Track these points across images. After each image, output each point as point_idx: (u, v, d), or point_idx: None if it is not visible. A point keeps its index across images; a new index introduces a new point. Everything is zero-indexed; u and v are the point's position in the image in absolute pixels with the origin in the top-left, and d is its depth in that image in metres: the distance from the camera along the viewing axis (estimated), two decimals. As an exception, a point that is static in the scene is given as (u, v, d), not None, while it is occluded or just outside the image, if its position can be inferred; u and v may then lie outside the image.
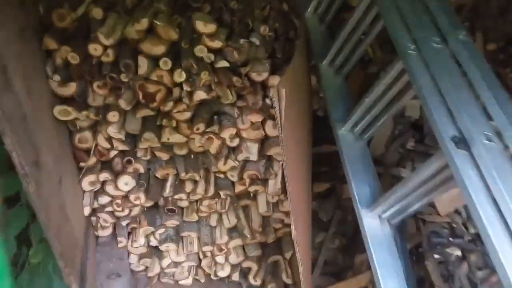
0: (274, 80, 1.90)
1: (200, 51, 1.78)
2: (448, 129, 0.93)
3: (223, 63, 1.81)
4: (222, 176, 2.09)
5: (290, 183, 1.34)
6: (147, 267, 2.30)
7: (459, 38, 1.13)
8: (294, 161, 1.45)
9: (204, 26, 1.76)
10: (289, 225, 2.27)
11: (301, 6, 2.01)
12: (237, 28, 1.93)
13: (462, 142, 0.92)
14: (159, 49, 1.76)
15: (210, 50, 1.80)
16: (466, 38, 1.13)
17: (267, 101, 1.93)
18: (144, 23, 1.74)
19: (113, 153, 1.94)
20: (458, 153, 0.90)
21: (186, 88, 1.80)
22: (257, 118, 1.93)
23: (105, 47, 1.72)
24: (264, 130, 1.97)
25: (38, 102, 1.57)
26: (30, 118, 1.45)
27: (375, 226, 1.21)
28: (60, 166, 1.71)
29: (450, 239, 1.72)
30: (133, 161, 1.93)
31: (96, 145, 1.91)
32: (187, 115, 1.89)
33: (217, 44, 1.78)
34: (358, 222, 2.21)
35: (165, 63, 1.75)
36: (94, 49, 1.71)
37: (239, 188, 2.10)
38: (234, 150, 2.05)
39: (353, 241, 2.08)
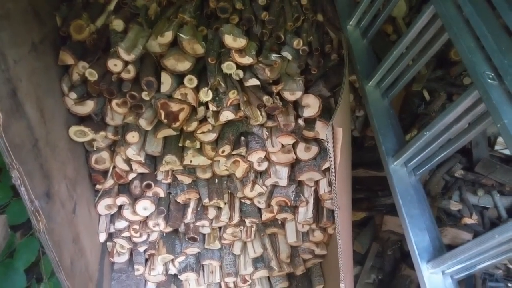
0: (308, 99, 1.72)
1: (228, 67, 1.62)
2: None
3: (253, 81, 1.64)
4: (248, 202, 1.92)
5: (342, 235, 1.16)
6: (165, 297, 2.15)
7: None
8: (345, 209, 1.27)
9: (233, 41, 1.59)
10: (319, 256, 2.09)
11: (338, 18, 1.82)
12: (268, 41, 1.76)
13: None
14: (184, 65, 1.60)
15: (239, 66, 1.64)
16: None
17: (300, 122, 1.75)
18: (168, 37, 1.59)
19: (131, 175, 1.79)
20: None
21: (212, 107, 1.64)
22: (288, 140, 1.76)
23: (126, 63, 1.57)
24: (295, 153, 1.80)
25: (52, 123, 1.43)
26: (43, 143, 1.31)
27: (437, 282, 1.02)
28: (75, 192, 1.57)
29: (509, 284, 1.51)
30: (153, 185, 1.78)
31: (114, 167, 1.77)
32: (212, 136, 1.72)
33: (247, 60, 1.62)
34: (397, 256, 2.01)
35: (190, 81, 1.60)
36: (114, 65, 1.56)
37: (266, 216, 1.92)
38: (261, 174, 1.88)
39: (391, 277, 1.88)
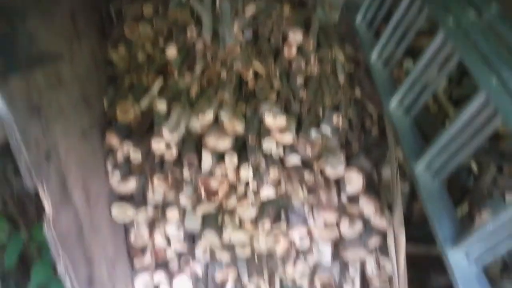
0: (350, 175, 1.68)
1: (268, 146, 1.62)
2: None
3: (294, 160, 1.62)
4: (289, 281, 1.82)
5: None
6: None
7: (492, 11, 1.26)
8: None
9: (273, 120, 1.61)
10: None
11: (377, 91, 1.80)
12: (307, 118, 1.76)
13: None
14: (224, 144, 1.62)
15: (279, 143, 1.64)
16: (498, 11, 1.26)
17: (342, 198, 1.70)
18: (209, 115, 1.63)
19: (169, 252, 1.77)
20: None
21: (252, 186, 1.62)
22: (331, 217, 1.69)
23: (169, 143, 1.61)
24: (339, 230, 1.72)
25: (96, 206, 1.45)
26: (87, 228, 1.33)
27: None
28: (114, 273, 1.55)
29: None
30: (191, 262, 1.74)
31: (153, 243, 1.75)
32: (252, 212, 1.69)
33: (288, 139, 1.62)
34: None
35: (231, 160, 1.60)
36: (158, 146, 1.60)
37: (309, 296, 1.81)
38: (303, 252, 1.80)
39: None
